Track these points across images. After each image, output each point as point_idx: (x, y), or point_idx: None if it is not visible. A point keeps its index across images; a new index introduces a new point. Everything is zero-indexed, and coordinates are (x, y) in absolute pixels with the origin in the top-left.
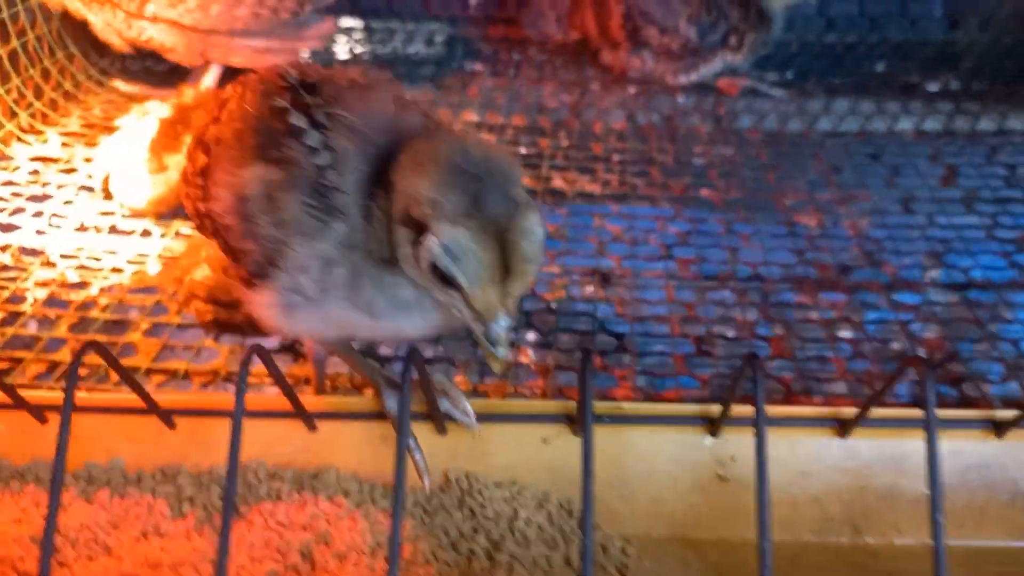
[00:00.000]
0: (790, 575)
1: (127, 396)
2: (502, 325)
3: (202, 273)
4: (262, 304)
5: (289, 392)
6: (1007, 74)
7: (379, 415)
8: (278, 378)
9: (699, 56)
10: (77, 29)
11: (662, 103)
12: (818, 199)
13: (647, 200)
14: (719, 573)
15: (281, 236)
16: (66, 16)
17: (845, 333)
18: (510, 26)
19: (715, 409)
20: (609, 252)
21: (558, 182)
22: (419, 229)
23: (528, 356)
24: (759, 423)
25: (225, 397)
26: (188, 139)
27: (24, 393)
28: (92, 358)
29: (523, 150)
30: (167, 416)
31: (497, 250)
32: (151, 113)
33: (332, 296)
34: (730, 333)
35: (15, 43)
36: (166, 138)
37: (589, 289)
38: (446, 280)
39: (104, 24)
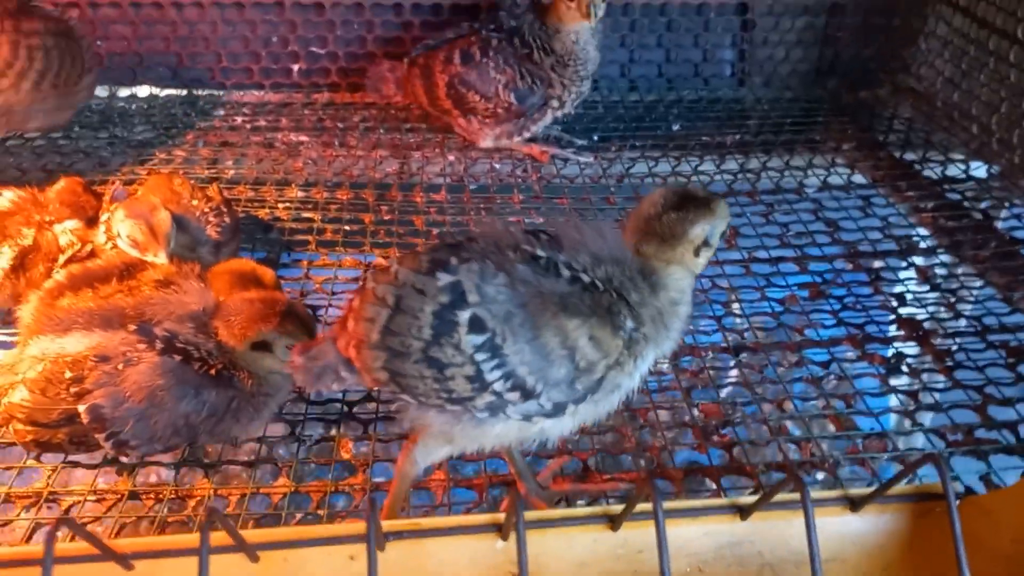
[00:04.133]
0: None
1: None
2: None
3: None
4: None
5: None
6: (786, 128)
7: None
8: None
9: (527, 117)
10: None
11: (480, 171)
12: None
13: None
14: None
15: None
16: None
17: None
18: (335, 92)
19: (501, 517)
20: None
21: (380, 262)
22: None
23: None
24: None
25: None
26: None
27: None
28: None
29: (347, 227)
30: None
31: None
32: None
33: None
34: None
35: None
36: None
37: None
38: None
39: None
